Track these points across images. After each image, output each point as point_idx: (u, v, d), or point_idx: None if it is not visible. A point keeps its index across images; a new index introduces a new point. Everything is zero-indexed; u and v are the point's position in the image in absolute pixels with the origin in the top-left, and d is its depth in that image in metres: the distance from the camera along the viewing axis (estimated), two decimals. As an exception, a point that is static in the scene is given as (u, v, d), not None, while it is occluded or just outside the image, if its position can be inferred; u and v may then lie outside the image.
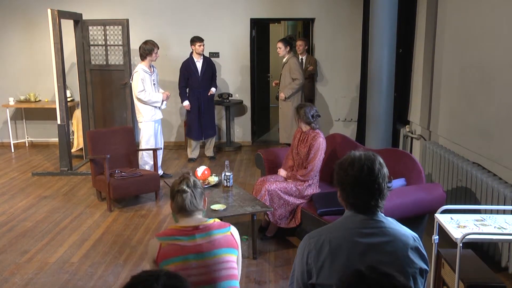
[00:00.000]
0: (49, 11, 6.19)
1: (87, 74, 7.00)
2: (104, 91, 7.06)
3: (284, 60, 6.68)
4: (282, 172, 4.52)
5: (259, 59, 8.60)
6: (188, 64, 6.91)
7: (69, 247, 4.27)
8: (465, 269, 2.77)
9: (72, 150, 7.25)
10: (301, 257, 1.81)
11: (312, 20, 7.98)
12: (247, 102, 8.19)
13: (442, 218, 2.97)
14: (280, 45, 6.58)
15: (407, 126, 6.10)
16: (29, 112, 8.20)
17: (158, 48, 5.94)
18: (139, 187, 5.24)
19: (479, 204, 3.92)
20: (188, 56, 7.00)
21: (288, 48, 6.60)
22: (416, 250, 1.76)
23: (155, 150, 5.65)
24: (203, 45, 6.87)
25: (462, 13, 4.62)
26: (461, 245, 2.64)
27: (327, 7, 7.80)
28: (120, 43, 6.85)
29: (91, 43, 6.95)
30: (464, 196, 4.19)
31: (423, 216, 3.73)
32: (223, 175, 4.42)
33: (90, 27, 6.91)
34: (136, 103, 5.92)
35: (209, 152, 7.32)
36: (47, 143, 8.26)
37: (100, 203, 5.39)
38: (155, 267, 2.10)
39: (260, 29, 8.60)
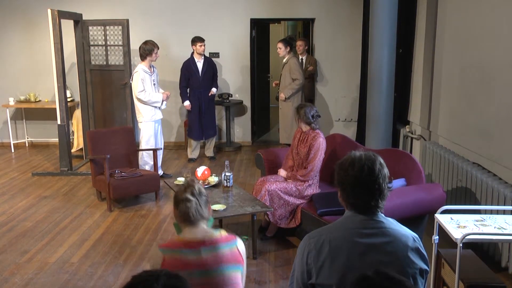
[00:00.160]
0: (49, 11, 6.19)
1: (87, 74, 7.00)
2: (104, 91, 7.06)
3: (284, 60, 6.68)
4: (282, 172, 4.52)
5: (259, 59, 8.60)
6: (189, 64, 6.91)
7: (69, 247, 4.27)
8: (465, 269, 2.77)
9: (72, 150, 7.25)
10: (301, 257, 1.81)
11: (312, 20, 7.99)
12: (247, 102, 8.19)
13: (442, 218, 2.97)
14: (280, 45, 6.58)
15: (407, 126, 6.10)
16: (29, 112, 8.20)
17: (158, 48, 5.94)
18: (139, 187, 5.24)
19: (479, 204, 3.92)
20: (188, 56, 7.00)
21: (288, 49, 6.60)
22: (416, 250, 1.76)
23: (155, 150, 5.65)
24: (204, 45, 6.88)
25: (462, 13, 4.62)
26: (461, 245, 2.64)
27: (327, 7, 7.80)
28: (120, 43, 6.85)
29: (91, 43, 6.95)
30: (464, 196, 4.19)
31: (423, 216, 3.74)
32: (223, 175, 4.41)
33: (90, 27, 6.91)
34: (136, 103, 5.92)
35: (209, 152, 7.32)
36: (47, 143, 8.26)
37: (100, 203, 5.39)
38: None
39: (260, 29, 8.60)
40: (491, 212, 3.58)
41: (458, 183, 4.30)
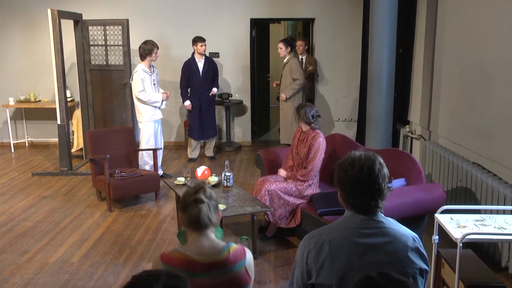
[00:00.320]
0: (49, 11, 6.19)
1: (87, 74, 7.00)
2: (104, 91, 7.06)
3: (285, 60, 6.67)
4: (282, 172, 4.52)
5: (259, 59, 8.59)
6: (190, 64, 6.91)
7: (69, 247, 4.27)
8: (465, 269, 2.77)
9: (72, 150, 7.25)
10: (301, 257, 1.81)
11: (312, 20, 7.99)
12: (247, 102, 8.19)
13: (442, 218, 2.97)
14: (281, 45, 6.57)
15: (407, 126, 6.10)
16: (29, 112, 8.20)
17: (158, 48, 5.94)
18: (139, 187, 5.24)
19: (479, 204, 3.92)
20: (188, 56, 7.00)
21: (289, 49, 6.59)
22: (416, 250, 1.76)
23: (155, 150, 5.65)
24: (205, 45, 6.88)
25: (462, 13, 4.62)
26: (461, 245, 2.64)
27: (327, 7, 7.80)
28: (120, 43, 6.85)
29: (91, 43, 6.95)
30: (464, 196, 4.19)
31: (423, 216, 3.74)
32: (223, 175, 4.41)
33: (90, 27, 6.91)
34: (136, 103, 5.92)
35: (209, 152, 7.32)
36: (47, 143, 8.26)
37: (100, 203, 5.39)
38: None
39: (260, 29, 8.60)
40: (491, 212, 3.58)
41: (458, 183, 4.30)
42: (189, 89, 6.97)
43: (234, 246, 1.95)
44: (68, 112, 6.66)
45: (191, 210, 1.92)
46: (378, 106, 5.44)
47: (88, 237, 4.50)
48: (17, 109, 8.14)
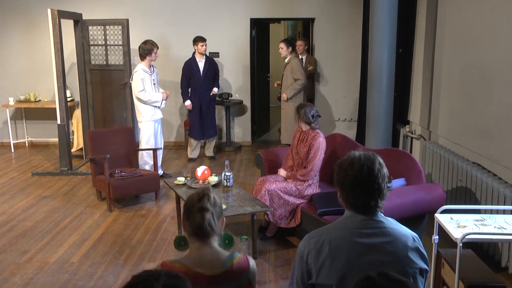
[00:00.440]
0: (49, 11, 6.19)
1: (87, 74, 7.00)
2: (104, 91, 7.06)
3: (286, 60, 6.66)
4: (282, 172, 4.52)
5: (259, 59, 8.59)
6: (190, 64, 6.92)
7: (69, 247, 4.27)
8: (465, 269, 2.77)
9: (72, 150, 7.25)
10: (300, 257, 1.81)
11: (312, 20, 7.99)
12: (247, 102, 8.19)
13: (442, 218, 2.97)
14: (282, 45, 6.57)
15: (407, 126, 6.10)
16: (29, 112, 8.20)
17: (158, 48, 5.94)
18: (139, 187, 5.24)
19: (479, 204, 3.92)
20: (188, 55, 7.00)
21: (290, 49, 6.58)
22: (416, 250, 1.76)
23: (155, 150, 5.65)
24: (206, 45, 6.88)
25: (462, 13, 4.62)
26: (461, 245, 2.64)
27: (327, 7, 7.80)
28: (120, 43, 6.85)
29: (91, 43, 6.95)
30: (464, 196, 4.19)
31: (423, 216, 3.74)
32: (223, 175, 4.41)
33: (90, 27, 6.91)
34: (136, 103, 5.92)
35: (209, 152, 7.32)
36: (47, 143, 8.26)
37: (100, 203, 5.39)
38: None
39: (260, 29, 8.60)
40: (491, 212, 3.58)
41: (458, 183, 4.30)
42: (189, 89, 6.98)
43: (237, 257, 1.89)
44: (68, 112, 6.67)
45: (194, 218, 1.87)
46: (378, 106, 5.44)
47: (88, 237, 4.50)
48: (17, 109, 8.14)
